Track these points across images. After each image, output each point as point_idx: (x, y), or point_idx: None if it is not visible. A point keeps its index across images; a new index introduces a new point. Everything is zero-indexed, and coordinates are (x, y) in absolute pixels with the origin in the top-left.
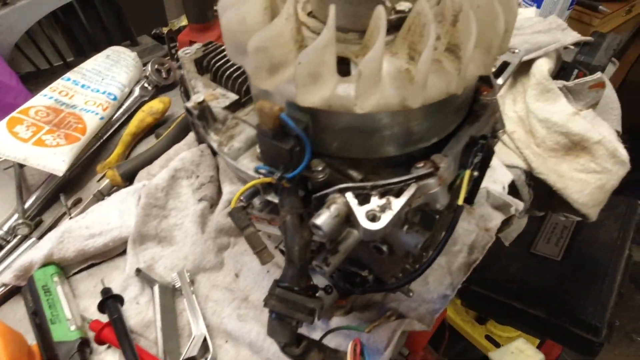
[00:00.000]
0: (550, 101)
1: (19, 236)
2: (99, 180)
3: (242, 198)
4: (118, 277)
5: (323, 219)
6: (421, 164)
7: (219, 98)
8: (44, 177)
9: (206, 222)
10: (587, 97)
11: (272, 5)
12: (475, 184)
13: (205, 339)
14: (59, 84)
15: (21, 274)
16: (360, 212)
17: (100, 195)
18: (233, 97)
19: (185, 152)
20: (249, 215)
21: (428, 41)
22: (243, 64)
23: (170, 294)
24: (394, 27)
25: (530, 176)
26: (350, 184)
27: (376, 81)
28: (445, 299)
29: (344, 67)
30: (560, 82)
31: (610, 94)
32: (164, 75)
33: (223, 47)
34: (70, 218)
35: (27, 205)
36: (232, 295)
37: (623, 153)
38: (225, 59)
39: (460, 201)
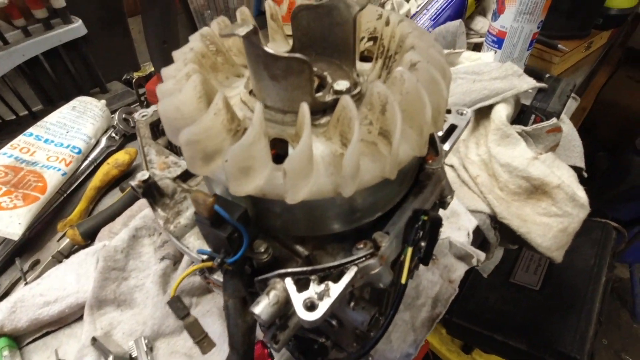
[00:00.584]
0: (510, 146)
1: None
2: (59, 240)
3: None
4: (74, 345)
5: (261, 307)
6: (361, 245)
7: (171, 167)
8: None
9: (168, 281)
10: (546, 140)
11: (208, 92)
12: (428, 249)
13: None
14: (20, 140)
15: None
16: (297, 301)
17: (60, 256)
18: (185, 165)
19: (147, 209)
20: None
21: (354, 137)
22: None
23: None
24: (332, 107)
25: (495, 219)
26: (289, 270)
27: (306, 173)
28: (408, 358)
29: (284, 145)
30: (519, 127)
31: (571, 132)
32: (131, 124)
33: None
34: (26, 283)
35: None
36: None
37: (582, 196)
38: None
39: (403, 279)
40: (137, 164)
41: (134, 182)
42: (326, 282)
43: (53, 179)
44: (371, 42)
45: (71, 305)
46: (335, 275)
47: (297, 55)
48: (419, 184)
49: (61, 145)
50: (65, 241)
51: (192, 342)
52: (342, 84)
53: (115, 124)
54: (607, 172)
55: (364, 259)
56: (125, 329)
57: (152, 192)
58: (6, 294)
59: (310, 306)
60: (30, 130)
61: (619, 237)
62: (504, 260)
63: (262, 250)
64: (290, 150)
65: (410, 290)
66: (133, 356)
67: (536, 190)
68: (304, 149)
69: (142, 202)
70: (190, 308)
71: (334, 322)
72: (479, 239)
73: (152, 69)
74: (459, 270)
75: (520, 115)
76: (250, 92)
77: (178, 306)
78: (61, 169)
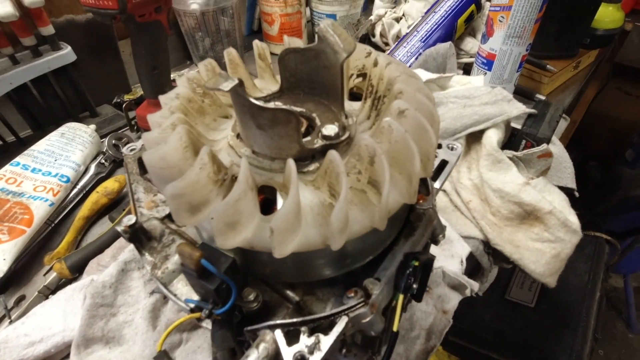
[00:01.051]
0: (502, 171)
1: None
2: (45, 274)
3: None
4: None
5: (252, 358)
6: (352, 294)
7: (159, 205)
8: None
9: (158, 315)
10: (537, 165)
11: (194, 141)
12: (421, 287)
13: None
14: (6, 170)
15: None
16: (287, 355)
17: (47, 290)
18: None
19: None
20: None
21: (341, 193)
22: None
23: None
24: (321, 153)
25: (489, 245)
26: (279, 322)
27: (294, 228)
28: None
29: (272, 191)
30: (510, 153)
31: (561, 154)
32: (121, 149)
33: None
34: (10, 321)
35: None
36: None
37: (574, 222)
38: None
39: (395, 327)
40: (126, 191)
41: (120, 227)
42: (316, 335)
43: (40, 210)
44: (360, 79)
45: (57, 345)
46: (326, 325)
47: (283, 106)
48: (409, 225)
49: (49, 174)
50: (52, 275)
51: None
52: (330, 129)
53: (105, 149)
54: (600, 184)
55: (354, 308)
56: None
57: (139, 237)
58: None
59: (301, 359)
60: (17, 159)
61: (611, 250)
62: (499, 277)
63: (252, 298)
64: (279, 198)
65: (404, 322)
66: None
67: (528, 215)
68: (291, 206)
69: None
70: (181, 344)
71: None
72: (472, 263)
73: (127, 100)
74: (453, 300)
75: (511, 139)
76: (238, 136)
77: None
78: (48, 199)
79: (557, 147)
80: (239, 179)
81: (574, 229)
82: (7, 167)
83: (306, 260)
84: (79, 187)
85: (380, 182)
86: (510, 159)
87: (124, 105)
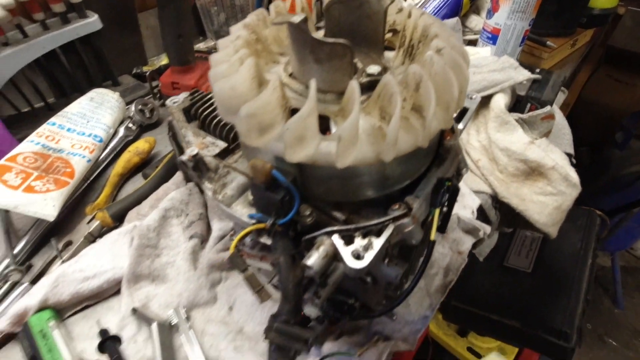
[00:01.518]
0: (508, 132)
1: (10, 282)
2: (88, 222)
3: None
4: (113, 317)
5: (313, 259)
6: (396, 206)
7: (209, 146)
8: (32, 221)
9: (197, 258)
10: (540, 127)
11: (258, 75)
12: (446, 216)
13: None
14: (44, 128)
15: (16, 320)
16: (346, 253)
17: (91, 237)
18: (222, 144)
19: (174, 191)
20: (241, 252)
21: (396, 109)
22: (234, 123)
23: (167, 331)
24: (366, 88)
25: (496, 199)
26: (335, 227)
27: (354, 142)
28: (426, 319)
29: (324, 122)
30: (516, 115)
31: (561, 121)
32: (147, 115)
33: (209, 96)
34: (62, 261)
35: (16, 250)
36: (227, 329)
37: (574, 177)
38: (212, 107)
39: (432, 236)
40: (155, 152)
41: (184, 157)
42: (369, 237)
43: (79, 165)
44: (391, 34)
45: (109, 280)
46: (375, 231)
47: (341, 40)
48: (439, 157)
49: (83, 134)
50: (95, 223)
51: (227, 308)
52: (373, 68)
53: (131, 114)
54: (589, 167)
55: (399, 218)
56: (161, 302)
57: (200, 166)
58: (42, 272)
59: (357, 257)
60: (53, 119)
61: (602, 225)
62: (498, 245)
63: (307, 213)
64: (332, 125)
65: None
66: (173, 324)
67: (533, 172)
68: (354, 119)
69: (167, 186)
70: (221, 282)
71: (368, 280)
72: (481, 218)
73: (161, 63)
74: (467, 242)
75: (516, 104)
76: (290, 75)
77: (238, 261)
78: (85, 156)
79: (557, 115)
80: (309, 95)
81: (574, 183)
82: (45, 126)
83: (355, 179)
84: (109, 147)
85: (425, 106)
86: (516, 120)
87: (147, 74)
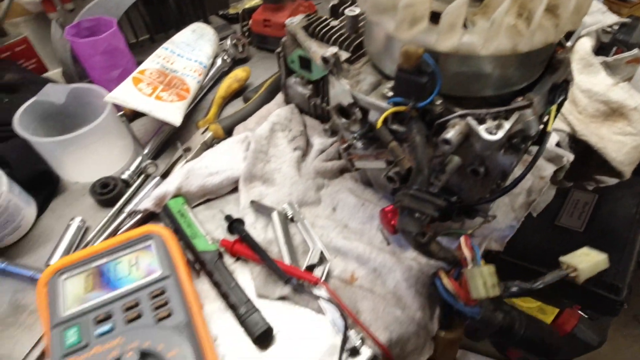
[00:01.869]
0: (592, 74)
1: (144, 175)
2: (202, 133)
3: (355, 135)
4: (232, 209)
5: (451, 134)
6: (519, 99)
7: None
8: (154, 128)
9: (300, 167)
10: (624, 71)
11: None
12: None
13: (321, 252)
14: (160, 52)
15: (158, 202)
16: (481, 129)
17: (205, 146)
18: (345, 54)
19: (279, 109)
20: (351, 155)
21: (540, 5)
22: (380, 21)
23: (284, 219)
24: None
25: (573, 139)
26: (469, 111)
27: (497, 32)
28: (512, 228)
29: None
30: (601, 58)
31: None
32: (240, 49)
33: (323, 17)
34: (186, 161)
35: (145, 151)
36: (334, 224)
37: None
38: (330, 26)
39: (549, 128)
40: (249, 82)
41: (328, 54)
42: (498, 120)
43: (192, 84)
44: None
45: (228, 178)
46: (502, 117)
47: None
48: (552, 67)
49: (190, 59)
50: (208, 134)
51: (331, 209)
52: None
53: (226, 48)
54: None
55: (522, 108)
56: (273, 199)
57: (338, 64)
58: (167, 171)
59: (490, 132)
60: (165, 45)
61: None
62: (550, 206)
63: (439, 103)
64: (469, 24)
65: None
66: (288, 215)
67: (613, 113)
68: (504, 9)
69: (270, 106)
70: (324, 187)
71: (481, 170)
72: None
73: (244, 6)
74: (549, 169)
75: (599, 51)
76: None
77: (385, 133)
78: (195, 77)
79: None
80: None
81: None
82: (160, 50)
83: (481, 76)
84: (210, 75)
85: (561, 5)
86: (600, 64)
87: (240, 12)
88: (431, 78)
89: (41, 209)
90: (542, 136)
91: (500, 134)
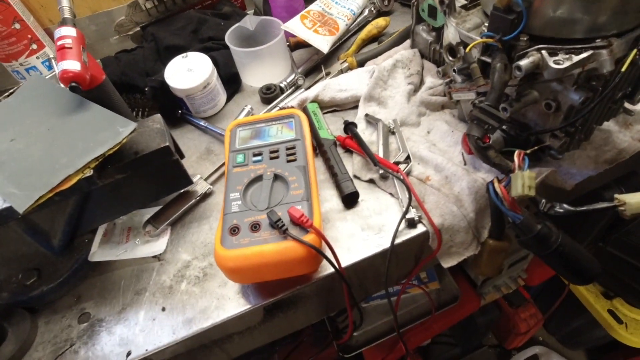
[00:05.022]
0: None
1: (294, 86)
2: (341, 64)
3: (455, 69)
4: (352, 118)
5: (524, 62)
6: (600, 40)
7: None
8: (307, 56)
9: (410, 98)
10: None
11: None
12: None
13: (408, 154)
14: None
15: (300, 102)
16: (550, 60)
17: (341, 72)
18: (463, 1)
19: (404, 50)
20: (451, 89)
21: None
22: None
23: (386, 130)
24: None
25: None
26: (544, 45)
27: None
28: (586, 175)
29: None
30: None
31: None
32: (385, 3)
33: None
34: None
35: (298, 70)
36: (425, 140)
37: None
38: None
39: (624, 68)
40: (386, 31)
41: None
42: (570, 54)
43: (342, 25)
44: None
45: (353, 96)
46: (575, 53)
47: None
48: None
49: (344, 7)
50: (345, 64)
51: (426, 132)
52: None
53: (374, 1)
54: None
55: (599, 47)
56: (382, 117)
57: (451, 5)
58: (311, 86)
59: (557, 63)
60: None
61: None
62: None
63: (525, 39)
64: None
65: (599, 140)
66: (390, 128)
67: None
68: None
69: (397, 48)
70: (425, 115)
71: (553, 104)
72: None
73: None
74: None
75: None
76: None
77: (471, 57)
78: (345, 21)
79: None
80: None
81: None
82: None
83: (573, 20)
84: (357, 21)
85: None
86: None
87: None
88: (518, 16)
89: (229, 98)
90: (618, 76)
91: (566, 64)
